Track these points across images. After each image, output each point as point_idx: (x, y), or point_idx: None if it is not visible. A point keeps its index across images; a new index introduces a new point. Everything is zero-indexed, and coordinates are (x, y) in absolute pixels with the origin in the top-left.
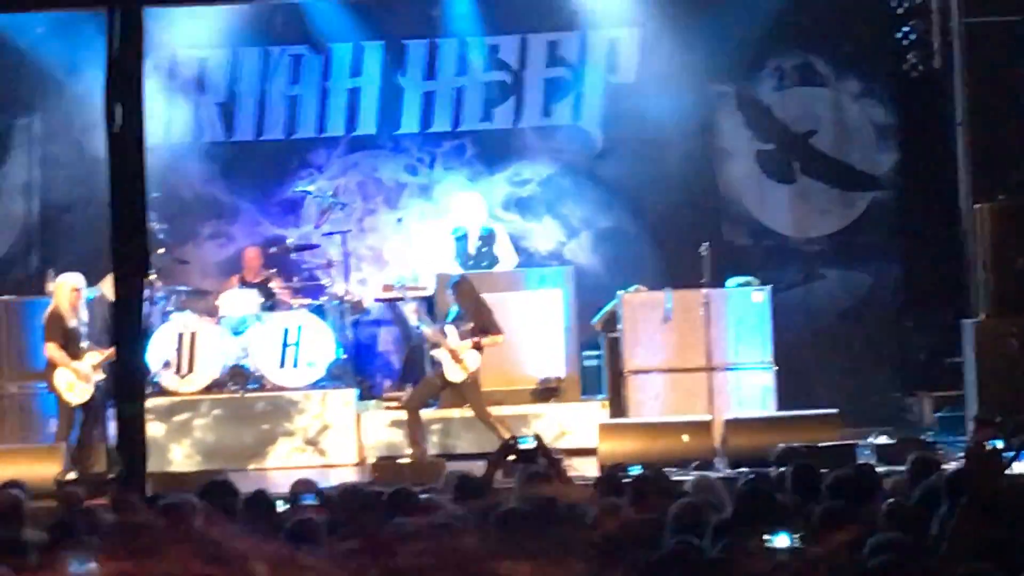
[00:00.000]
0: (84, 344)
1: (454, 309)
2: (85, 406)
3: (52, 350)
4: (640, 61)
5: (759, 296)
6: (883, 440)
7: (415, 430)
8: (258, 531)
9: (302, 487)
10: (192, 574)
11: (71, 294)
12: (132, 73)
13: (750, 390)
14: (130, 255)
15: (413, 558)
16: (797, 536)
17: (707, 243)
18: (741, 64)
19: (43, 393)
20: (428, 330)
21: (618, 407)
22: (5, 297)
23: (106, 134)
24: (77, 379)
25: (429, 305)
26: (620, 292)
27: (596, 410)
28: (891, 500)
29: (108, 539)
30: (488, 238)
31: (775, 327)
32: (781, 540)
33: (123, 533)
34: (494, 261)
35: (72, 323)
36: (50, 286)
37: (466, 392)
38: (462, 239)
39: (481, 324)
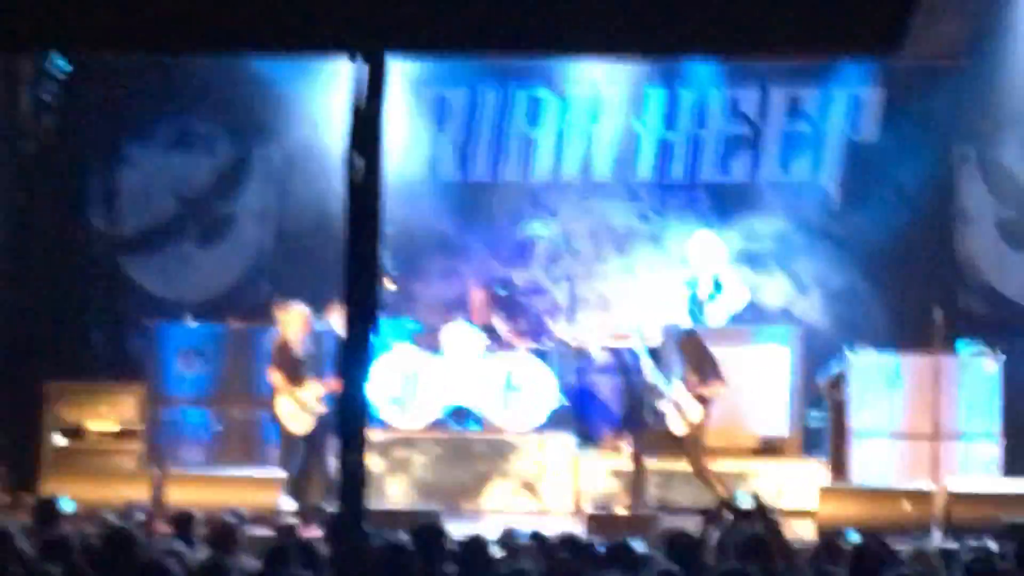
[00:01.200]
0: (308, 375)
1: (678, 361)
2: (307, 437)
3: (276, 378)
4: (883, 119)
5: (991, 365)
6: None
7: (638, 481)
8: None
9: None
10: None
11: (300, 324)
12: (374, 122)
13: (976, 460)
14: (361, 295)
15: None
16: None
17: (940, 308)
18: (984, 127)
19: (266, 421)
20: (656, 382)
21: (839, 470)
22: (235, 324)
23: (345, 181)
24: (300, 409)
25: (654, 355)
26: (848, 352)
27: (817, 471)
28: None
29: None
30: (718, 285)
31: (1006, 397)
32: None
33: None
34: (723, 304)
35: (299, 353)
36: (279, 315)
37: (687, 446)
38: (693, 284)
39: (704, 374)
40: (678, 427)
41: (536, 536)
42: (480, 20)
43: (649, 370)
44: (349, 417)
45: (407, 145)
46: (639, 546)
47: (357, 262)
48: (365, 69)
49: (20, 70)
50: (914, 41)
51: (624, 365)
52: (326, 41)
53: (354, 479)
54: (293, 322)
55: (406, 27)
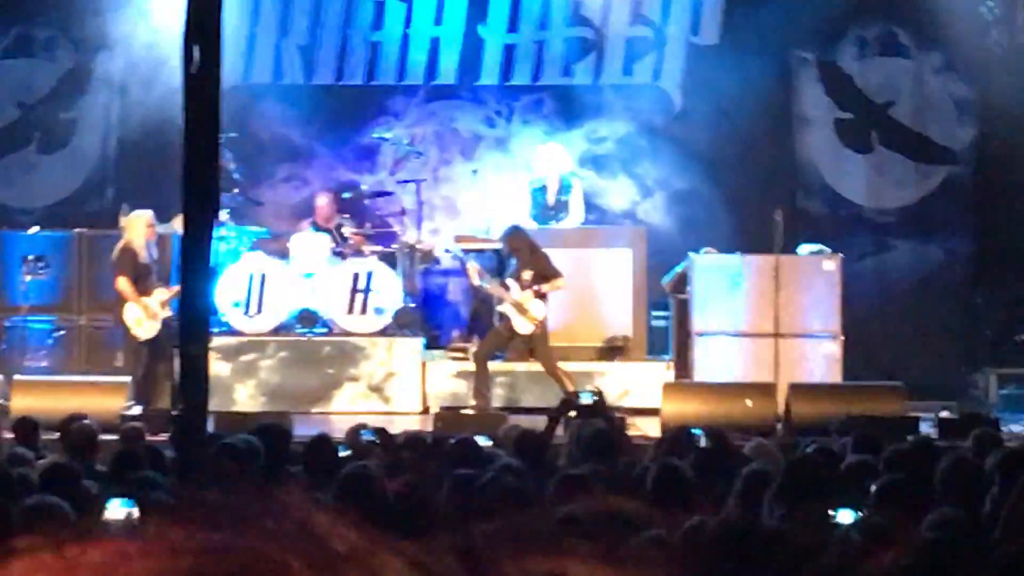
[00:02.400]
0: (154, 280)
1: (512, 261)
2: (152, 342)
3: (123, 284)
4: (723, 23)
5: (830, 264)
6: (946, 415)
7: (481, 381)
8: (316, 476)
9: (362, 429)
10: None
11: (144, 230)
12: (212, 14)
13: (816, 359)
14: (200, 194)
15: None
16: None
17: (780, 209)
18: (824, 31)
19: (111, 327)
20: (491, 286)
21: (683, 369)
22: (78, 230)
23: (182, 74)
24: (146, 315)
25: (499, 258)
26: (691, 254)
27: (661, 371)
28: (949, 475)
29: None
30: (566, 189)
31: (845, 297)
32: (844, 515)
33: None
34: (567, 214)
35: (144, 259)
36: (123, 221)
37: (535, 343)
38: (540, 191)
39: (540, 271)
40: (523, 327)
41: (380, 433)
42: None
43: (475, 277)
44: (190, 315)
45: (250, 50)
46: (484, 443)
47: (195, 155)
48: None
49: None
50: None
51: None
52: None
53: (196, 376)
54: (136, 228)
55: None
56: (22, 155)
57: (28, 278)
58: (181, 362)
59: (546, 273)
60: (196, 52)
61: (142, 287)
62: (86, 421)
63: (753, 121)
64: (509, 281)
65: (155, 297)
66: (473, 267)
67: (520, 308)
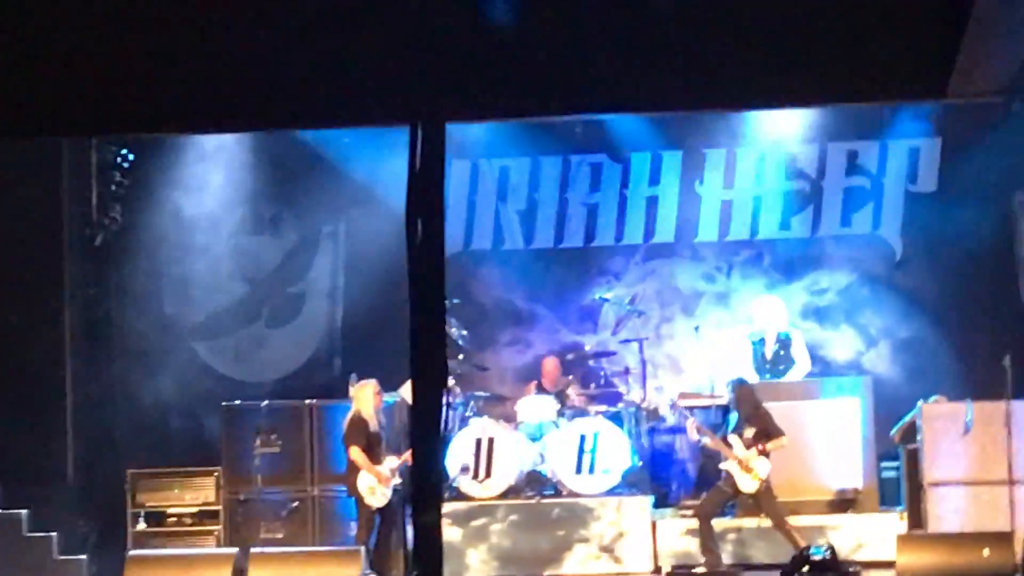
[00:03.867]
0: (384, 449)
1: (734, 416)
2: (384, 510)
3: (355, 453)
4: (941, 170)
5: None
6: None
7: (707, 538)
8: None
9: None
10: None
11: (372, 398)
12: (434, 187)
13: None
14: (428, 361)
15: None
16: None
17: (1009, 354)
18: None
19: (343, 496)
20: (712, 442)
21: (916, 520)
22: (308, 401)
23: (407, 247)
24: (378, 483)
25: (725, 413)
26: (920, 403)
27: (894, 522)
28: None
29: None
30: (785, 343)
31: None
32: None
33: None
34: (790, 366)
35: (374, 427)
36: (352, 391)
37: (761, 500)
38: (759, 343)
39: (763, 428)
40: (747, 484)
41: None
42: (532, 84)
43: (692, 432)
44: (422, 483)
45: (471, 217)
46: None
47: (423, 325)
48: (421, 136)
49: (87, 161)
50: (961, 79)
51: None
52: (387, 111)
53: (430, 543)
54: (365, 397)
55: (464, 96)
56: (252, 330)
57: (261, 450)
58: (414, 530)
59: (769, 431)
60: (420, 224)
61: (373, 455)
62: None
63: (976, 266)
64: (732, 438)
65: (386, 465)
66: (692, 423)
67: (744, 466)
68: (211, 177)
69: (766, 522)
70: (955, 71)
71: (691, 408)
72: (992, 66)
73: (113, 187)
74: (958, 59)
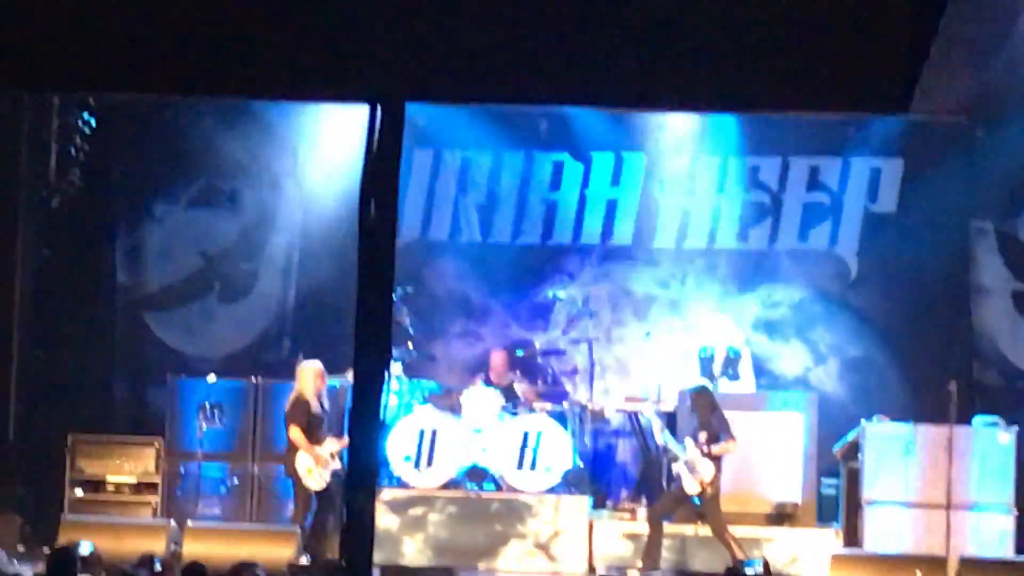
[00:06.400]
0: (325, 431)
1: (691, 421)
2: (322, 493)
3: (294, 433)
4: (901, 191)
5: (1005, 437)
6: None
7: (654, 543)
8: None
9: None
10: None
11: (315, 380)
12: (390, 169)
13: (989, 532)
14: (372, 346)
15: None
16: None
17: (955, 380)
18: (1003, 202)
19: (282, 476)
20: (671, 443)
21: (852, 537)
22: (254, 379)
23: (359, 226)
24: (316, 465)
25: (670, 420)
26: (863, 422)
27: (830, 538)
28: None
29: None
30: (734, 360)
31: (1019, 469)
32: None
33: None
34: (734, 382)
35: (315, 408)
36: (296, 371)
37: (707, 507)
38: (708, 359)
39: (714, 433)
40: (691, 487)
41: None
42: (496, 71)
43: (659, 434)
44: (358, 466)
45: (429, 206)
46: None
47: (369, 306)
48: (379, 116)
49: (47, 125)
50: (924, 97)
51: (639, 428)
52: (347, 89)
53: (361, 528)
54: (307, 378)
55: (426, 76)
56: (203, 304)
57: (204, 426)
58: (347, 513)
59: (720, 436)
60: (372, 205)
61: (313, 437)
62: (256, 570)
63: (929, 290)
64: (687, 441)
65: (326, 447)
66: (658, 425)
67: (690, 467)
68: (171, 147)
69: (704, 530)
70: (918, 88)
71: (637, 412)
72: (955, 86)
73: (73, 151)
74: (921, 76)
